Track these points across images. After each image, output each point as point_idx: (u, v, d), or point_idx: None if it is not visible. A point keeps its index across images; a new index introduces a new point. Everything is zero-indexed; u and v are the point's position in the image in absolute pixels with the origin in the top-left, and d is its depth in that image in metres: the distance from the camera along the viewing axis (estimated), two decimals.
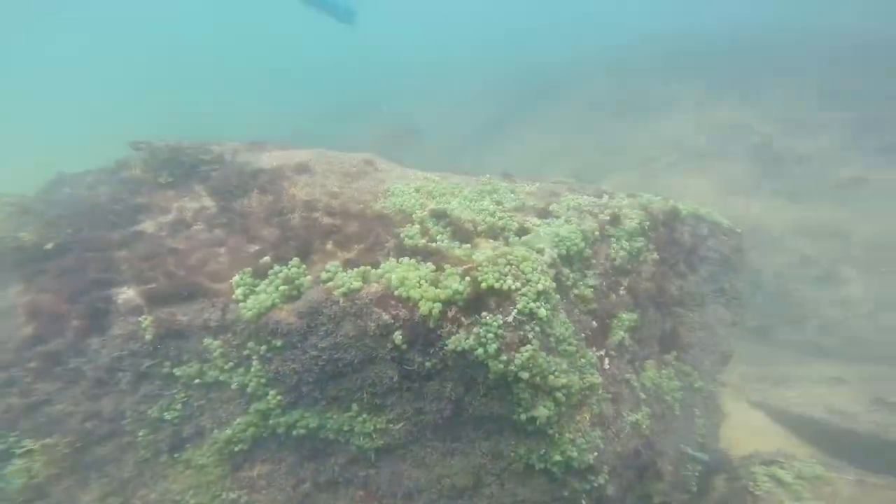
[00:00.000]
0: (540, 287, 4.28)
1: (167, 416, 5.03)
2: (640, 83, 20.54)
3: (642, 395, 5.31)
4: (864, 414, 7.55)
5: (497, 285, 4.21)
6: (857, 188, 14.47)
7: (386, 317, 4.44)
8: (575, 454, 4.21)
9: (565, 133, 18.82)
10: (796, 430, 7.55)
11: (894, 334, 11.02)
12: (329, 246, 5.67)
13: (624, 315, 5.51)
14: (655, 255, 6.30)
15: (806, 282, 11.85)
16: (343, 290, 4.60)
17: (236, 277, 5.13)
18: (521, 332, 4.14)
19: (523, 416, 4.17)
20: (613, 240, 5.94)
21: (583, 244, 5.42)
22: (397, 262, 4.81)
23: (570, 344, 4.60)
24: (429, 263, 4.62)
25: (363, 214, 6.17)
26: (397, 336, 4.39)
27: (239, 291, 4.98)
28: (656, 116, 18.07)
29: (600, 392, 4.68)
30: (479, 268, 4.39)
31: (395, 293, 4.44)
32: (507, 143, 19.44)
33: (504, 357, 4.03)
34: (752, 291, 10.87)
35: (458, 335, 4.19)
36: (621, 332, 5.38)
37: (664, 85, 19.94)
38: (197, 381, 5.01)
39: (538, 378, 4.05)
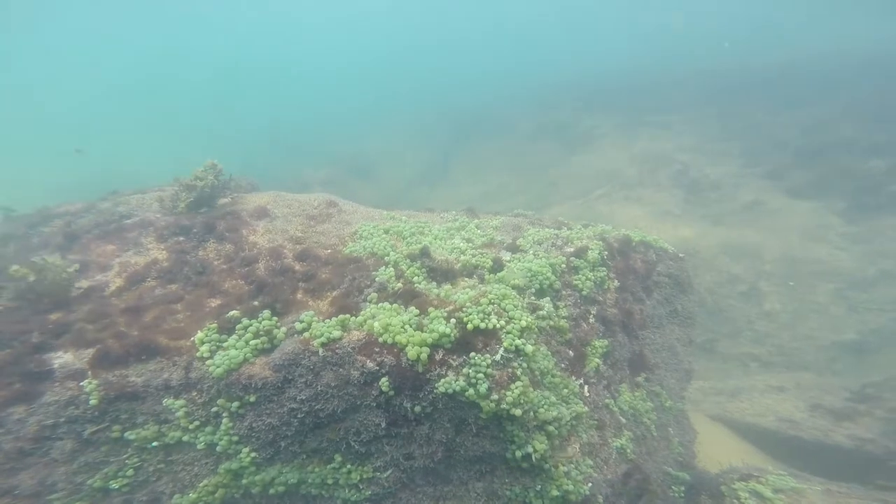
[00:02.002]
0: (523, 323, 4.37)
1: (114, 484, 4.51)
2: (568, 119, 22.13)
3: (622, 420, 5.48)
4: (806, 420, 8.23)
5: (483, 325, 4.26)
6: (757, 210, 16.23)
7: (371, 364, 4.33)
8: (571, 487, 4.23)
9: (505, 169, 19.76)
10: (753, 439, 8.06)
11: (810, 342, 12.24)
12: (300, 295, 5.48)
13: (597, 342, 5.72)
14: (616, 283, 6.65)
15: (735, 298, 12.94)
16: (322, 339, 4.45)
17: (200, 334, 4.81)
18: (510, 370, 4.18)
19: (518, 454, 4.16)
20: (579, 271, 6.21)
21: (553, 277, 5.63)
22: (378, 307, 4.73)
23: (553, 376, 4.70)
24: (412, 307, 4.59)
25: (334, 259, 6.05)
26: (384, 383, 4.28)
27: (204, 348, 4.67)
28: (587, 149, 19.46)
29: (586, 420, 4.78)
30: (463, 308, 4.42)
31: (380, 340, 4.35)
32: (452, 180, 20.05)
33: (495, 395, 4.04)
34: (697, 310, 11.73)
35: (447, 378, 4.15)
36: (596, 359, 5.56)
37: (591, 122, 21.61)
38: (154, 443, 4.58)
39: (531, 413, 4.09)
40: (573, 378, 5.21)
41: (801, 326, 12.40)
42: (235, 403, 4.52)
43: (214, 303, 5.53)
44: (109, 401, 4.46)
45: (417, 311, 4.52)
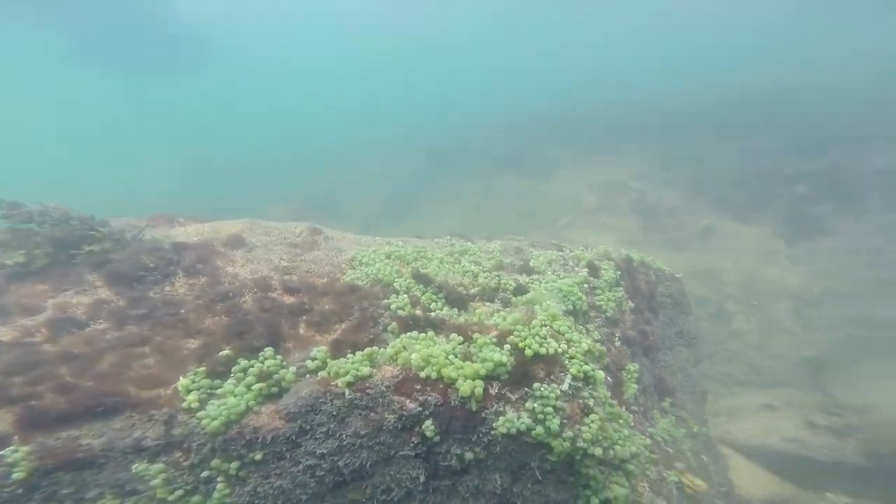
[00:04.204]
0: (584, 346, 3.86)
1: None
2: (532, 152, 22.79)
3: (669, 450, 5.02)
4: (811, 439, 8.16)
5: (543, 350, 3.69)
6: (710, 235, 17.14)
7: (412, 405, 3.59)
8: None
9: (473, 201, 19.68)
10: (763, 462, 7.85)
11: (780, 359, 12.66)
12: (302, 329, 4.64)
13: (630, 366, 5.30)
14: (631, 304, 6.35)
15: (706, 319, 13.22)
16: (348, 378, 3.67)
17: (185, 380, 3.85)
18: (581, 401, 3.61)
19: (595, 501, 3.53)
20: (599, 291, 5.85)
21: (584, 297, 5.21)
22: (409, 337, 4.04)
23: (611, 405, 4.17)
24: (453, 335, 3.94)
25: (332, 289, 5.26)
26: (428, 427, 3.55)
27: (192, 397, 3.72)
28: (550, 179, 19.94)
29: (648, 455, 4.26)
30: (515, 332, 3.84)
31: (421, 375, 3.64)
32: (420, 213, 19.63)
33: (569, 433, 3.43)
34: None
35: (507, 416, 3.50)
36: (633, 385, 5.12)
37: (551, 152, 22.34)
38: None
39: (610, 451, 3.51)
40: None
41: (770, 344, 12.81)
42: (234, 464, 3.58)
43: (193, 344, 4.54)
44: (46, 472, 3.38)
45: (461, 339, 3.87)
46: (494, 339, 3.82)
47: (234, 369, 3.94)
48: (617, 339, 5.69)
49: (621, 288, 6.16)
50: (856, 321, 12.93)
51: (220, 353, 4.09)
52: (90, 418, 3.72)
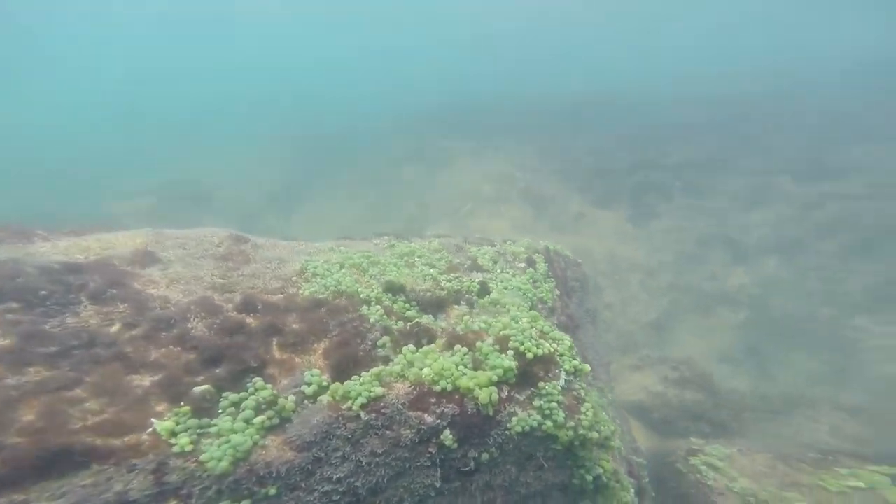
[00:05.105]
0: (568, 343, 4.32)
1: None
2: (428, 143, 23.09)
3: None
4: (665, 392, 10.12)
5: (540, 352, 4.05)
6: (582, 220, 19.67)
7: (430, 419, 3.67)
8: (628, 499, 4.33)
9: (374, 193, 19.28)
10: (637, 416, 9.54)
11: (635, 324, 15.26)
12: (277, 353, 4.28)
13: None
14: (558, 291, 7.12)
15: (588, 293, 15.29)
16: (361, 401, 3.59)
17: (166, 423, 3.35)
18: (574, 392, 4.07)
19: (588, 478, 4.06)
20: (538, 283, 6.44)
21: (536, 292, 5.72)
22: (412, 352, 4.06)
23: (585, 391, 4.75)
24: (458, 346, 4.07)
25: (294, 305, 4.89)
26: (447, 437, 3.67)
27: (183, 440, 3.27)
28: (448, 170, 20.55)
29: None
30: (513, 337, 4.13)
31: (436, 388, 3.73)
32: (316, 205, 18.48)
33: (571, 423, 3.88)
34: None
35: (520, 415, 3.81)
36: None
37: (446, 142, 22.95)
38: None
39: (598, 433, 4.05)
40: None
41: (628, 312, 15.30)
42: (246, 503, 3.29)
43: (144, 381, 3.88)
44: None
45: (466, 349, 4.03)
46: (497, 346, 4.06)
47: (222, 405, 3.54)
48: (555, 326, 6.37)
49: (552, 278, 6.85)
50: (674, 287, 16.15)
51: (201, 388, 3.61)
52: (39, 478, 3.06)
